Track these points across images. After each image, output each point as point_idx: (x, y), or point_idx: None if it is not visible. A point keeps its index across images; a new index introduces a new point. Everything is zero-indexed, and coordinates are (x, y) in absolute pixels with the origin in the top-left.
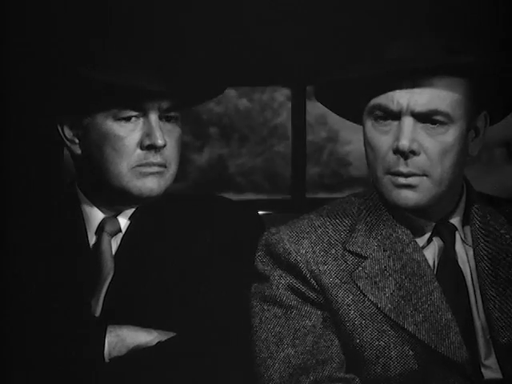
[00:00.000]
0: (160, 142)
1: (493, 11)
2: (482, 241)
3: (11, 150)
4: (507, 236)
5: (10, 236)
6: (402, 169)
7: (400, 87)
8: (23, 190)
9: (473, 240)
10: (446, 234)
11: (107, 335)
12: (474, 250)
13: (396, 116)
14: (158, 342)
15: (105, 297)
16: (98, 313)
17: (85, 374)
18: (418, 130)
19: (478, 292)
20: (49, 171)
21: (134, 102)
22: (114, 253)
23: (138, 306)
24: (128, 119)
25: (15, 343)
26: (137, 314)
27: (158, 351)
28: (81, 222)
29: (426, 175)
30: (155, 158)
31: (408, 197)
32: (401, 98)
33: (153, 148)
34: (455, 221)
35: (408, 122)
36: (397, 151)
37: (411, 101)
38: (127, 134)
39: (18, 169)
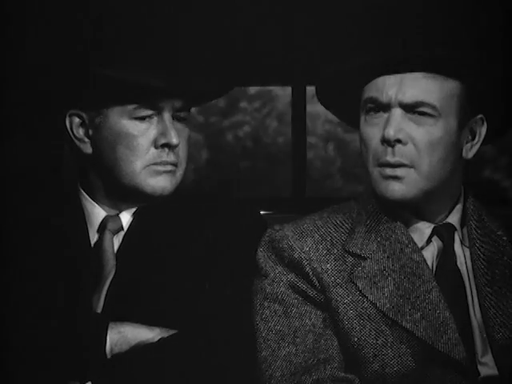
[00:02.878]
0: (175, 141)
1: (490, 17)
2: (478, 241)
3: (13, 148)
4: (504, 238)
5: (11, 234)
6: (389, 158)
7: (390, 79)
8: (24, 189)
9: (469, 240)
10: (445, 234)
11: (109, 332)
12: (470, 250)
13: (386, 108)
14: (160, 339)
15: (106, 294)
16: (99, 310)
17: (87, 371)
18: (406, 120)
19: (474, 291)
20: (50, 170)
21: (150, 101)
22: (115, 251)
23: (140, 304)
24: (142, 118)
25: (16, 340)
26: (138, 312)
27: (160, 348)
28: (82, 220)
29: (414, 167)
30: (169, 157)
31: (395, 189)
32: (390, 89)
33: (167, 147)
34: (453, 221)
35: (396, 112)
36: (384, 141)
37: (399, 92)
38: (142, 132)
39: (19, 168)
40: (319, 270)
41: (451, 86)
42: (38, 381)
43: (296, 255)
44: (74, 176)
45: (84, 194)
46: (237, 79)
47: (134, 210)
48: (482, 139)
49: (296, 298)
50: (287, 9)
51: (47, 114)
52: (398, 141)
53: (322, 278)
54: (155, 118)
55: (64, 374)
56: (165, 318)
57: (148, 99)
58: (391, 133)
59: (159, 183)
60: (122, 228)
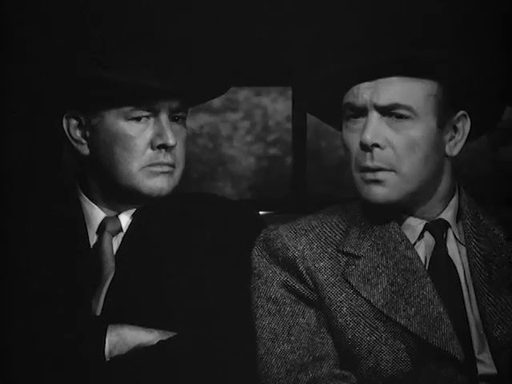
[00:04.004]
0: (172, 142)
1: (473, 14)
2: (474, 239)
3: (12, 150)
4: (501, 235)
5: (10, 236)
6: (369, 163)
7: (365, 84)
8: (24, 190)
9: (465, 238)
10: (437, 230)
11: (108, 334)
12: (466, 248)
13: (363, 112)
14: (159, 342)
15: (106, 296)
16: (98, 312)
17: (85, 374)
18: (383, 123)
19: (471, 288)
20: (49, 171)
21: (146, 102)
22: (115, 252)
23: (139, 306)
24: (139, 119)
25: (16, 343)
26: (138, 314)
27: (159, 350)
28: (82, 221)
29: (394, 170)
30: (166, 158)
31: (377, 192)
32: (365, 92)
33: (164, 148)
34: (447, 217)
35: (373, 116)
36: (362, 146)
37: (374, 95)
38: (138, 133)
39: (18, 169)
40: (313, 268)
41: (427, 86)
42: (37, 383)
43: (290, 254)
44: (73, 177)
45: (83, 195)
46: (235, 79)
47: (132, 211)
48: (466, 135)
49: (289, 297)
50: (287, 8)
51: (45, 116)
52: (376, 145)
53: (316, 276)
54: (152, 119)
55: (63, 377)
56: (164, 320)
57: (144, 100)
58: (368, 137)
59: (156, 184)
60: (121, 229)
